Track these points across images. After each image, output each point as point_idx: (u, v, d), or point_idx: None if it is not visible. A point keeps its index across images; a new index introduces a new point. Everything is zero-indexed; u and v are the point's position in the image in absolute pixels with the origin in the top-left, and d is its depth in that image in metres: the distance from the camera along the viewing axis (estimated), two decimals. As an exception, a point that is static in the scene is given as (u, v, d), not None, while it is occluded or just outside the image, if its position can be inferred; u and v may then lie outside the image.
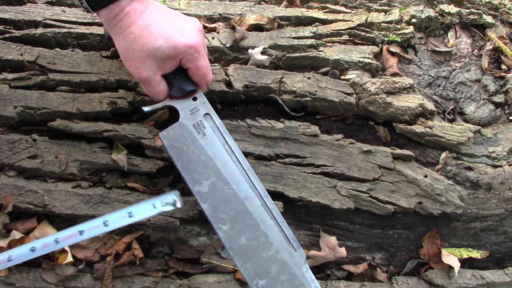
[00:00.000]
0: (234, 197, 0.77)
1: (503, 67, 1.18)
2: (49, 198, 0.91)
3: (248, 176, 0.80)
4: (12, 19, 1.04)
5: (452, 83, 1.15)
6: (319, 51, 1.10)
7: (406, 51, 1.17)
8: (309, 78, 1.04)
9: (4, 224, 0.89)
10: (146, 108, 0.84)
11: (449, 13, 1.21)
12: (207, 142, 0.80)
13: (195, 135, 0.80)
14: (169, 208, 0.74)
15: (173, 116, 0.89)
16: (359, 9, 1.26)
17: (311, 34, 1.14)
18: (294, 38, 1.12)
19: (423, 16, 1.18)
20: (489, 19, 1.23)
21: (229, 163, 0.80)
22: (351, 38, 1.16)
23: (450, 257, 1.03)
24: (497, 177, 1.05)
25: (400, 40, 1.15)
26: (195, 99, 0.84)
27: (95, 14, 0.77)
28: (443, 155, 1.05)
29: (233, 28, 1.11)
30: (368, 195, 0.99)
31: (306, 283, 0.75)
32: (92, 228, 0.71)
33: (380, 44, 1.15)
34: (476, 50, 1.22)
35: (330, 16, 1.21)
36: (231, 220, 0.75)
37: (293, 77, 1.04)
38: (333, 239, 1.01)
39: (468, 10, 1.22)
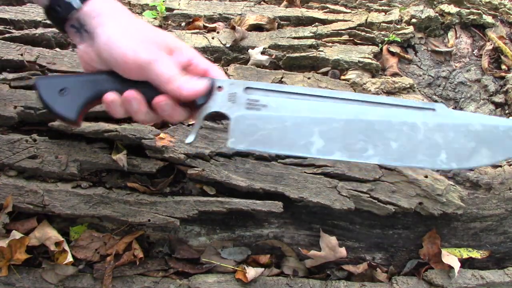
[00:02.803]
0: (348, 126, 0.68)
1: (503, 67, 1.18)
2: (49, 198, 0.91)
3: (331, 97, 0.70)
4: (12, 19, 1.04)
5: (452, 83, 1.15)
6: (319, 51, 1.10)
7: (406, 51, 1.17)
8: (309, 78, 1.04)
9: (4, 224, 0.89)
10: (189, 139, 0.70)
11: (449, 13, 1.21)
12: (275, 110, 0.68)
13: (258, 114, 0.68)
14: None
15: None
16: (359, 9, 1.26)
17: (311, 34, 1.14)
18: (294, 38, 1.12)
19: (423, 16, 1.18)
20: (489, 19, 1.24)
21: (310, 104, 0.69)
22: (351, 38, 1.16)
23: (450, 257, 1.03)
24: (497, 177, 1.04)
25: (400, 40, 1.15)
26: (219, 88, 0.70)
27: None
28: (443, 155, 1.05)
29: (233, 28, 1.11)
30: (368, 196, 0.99)
31: (469, 122, 0.67)
32: None
33: (380, 44, 1.15)
34: (476, 50, 1.22)
35: (330, 16, 1.21)
36: (369, 142, 0.67)
37: (293, 77, 1.04)
38: (333, 239, 1.01)
39: (468, 10, 1.22)
